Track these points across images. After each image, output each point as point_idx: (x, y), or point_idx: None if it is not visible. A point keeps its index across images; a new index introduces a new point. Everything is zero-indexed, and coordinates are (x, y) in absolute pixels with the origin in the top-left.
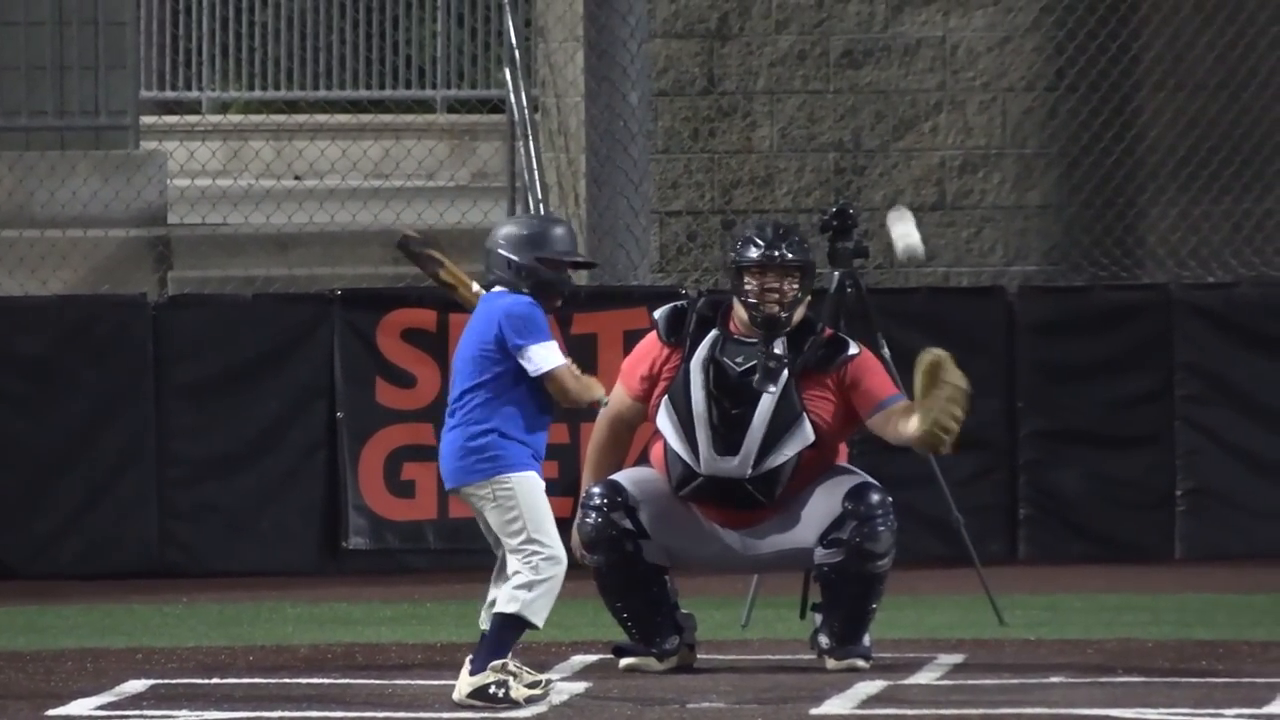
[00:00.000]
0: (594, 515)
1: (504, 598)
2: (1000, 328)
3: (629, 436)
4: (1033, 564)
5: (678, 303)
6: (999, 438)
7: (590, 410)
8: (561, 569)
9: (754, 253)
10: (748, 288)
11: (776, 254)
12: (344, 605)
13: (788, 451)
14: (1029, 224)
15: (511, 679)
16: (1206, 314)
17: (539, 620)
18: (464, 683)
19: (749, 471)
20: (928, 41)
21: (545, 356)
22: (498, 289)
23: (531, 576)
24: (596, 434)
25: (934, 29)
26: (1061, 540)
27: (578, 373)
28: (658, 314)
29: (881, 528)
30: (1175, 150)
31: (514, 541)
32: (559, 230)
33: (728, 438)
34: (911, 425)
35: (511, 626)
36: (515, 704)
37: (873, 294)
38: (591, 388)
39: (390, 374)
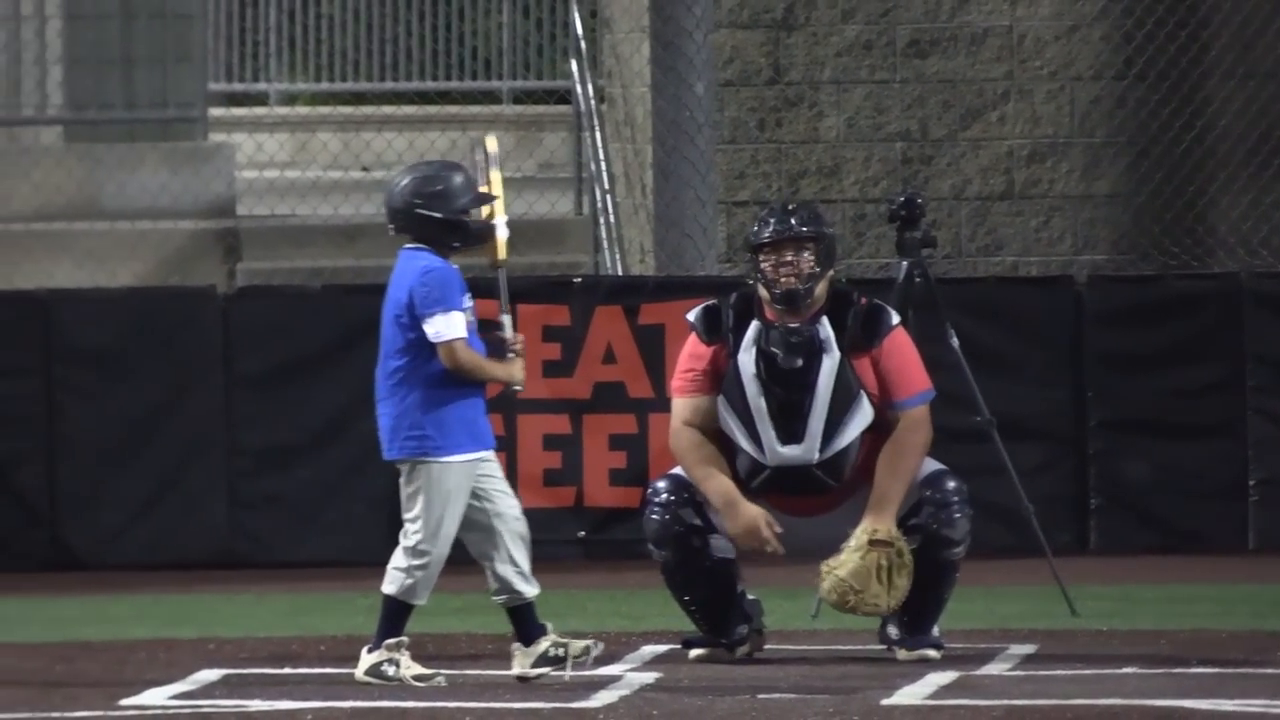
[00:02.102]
0: (660, 511)
1: (388, 576)
2: (1068, 317)
3: (717, 439)
4: (1104, 554)
5: (708, 302)
6: (1068, 428)
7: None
8: (437, 556)
9: (766, 230)
10: (764, 266)
11: (786, 228)
12: None
13: (852, 431)
14: (1097, 213)
15: (401, 661)
16: (1277, 303)
17: (415, 599)
18: (363, 660)
19: (816, 456)
20: (994, 30)
21: (441, 327)
22: (412, 246)
23: (409, 562)
24: (683, 444)
25: (1001, 18)
26: (1132, 530)
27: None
28: (691, 317)
29: (958, 514)
30: (1245, 138)
31: (406, 520)
32: (459, 177)
33: (789, 426)
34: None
35: (391, 605)
36: (575, 661)
37: (941, 284)
38: (487, 368)
39: None
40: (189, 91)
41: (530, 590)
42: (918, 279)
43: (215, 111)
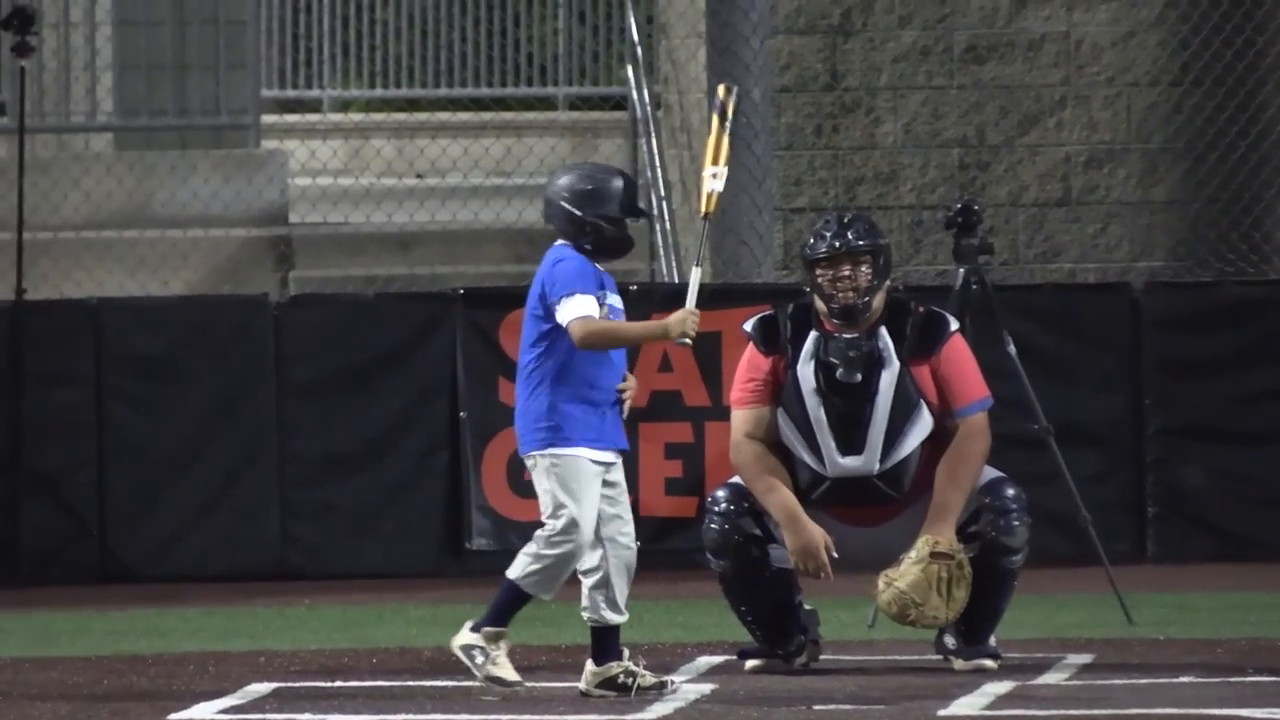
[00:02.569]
0: (719, 521)
1: (515, 562)
2: (1126, 323)
3: (778, 451)
4: (1161, 562)
5: (765, 313)
6: (1125, 435)
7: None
8: (568, 551)
9: (822, 246)
10: (821, 280)
11: (842, 243)
12: (467, 607)
13: (912, 442)
14: (1155, 219)
15: (484, 652)
16: None
17: (537, 592)
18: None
19: (876, 467)
20: (1051, 36)
21: (569, 309)
22: (560, 242)
23: (539, 550)
24: (745, 457)
25: (1058, 24)
26: (1190, 538)
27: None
28: (749, 327)
29: (1017, 522)
30: None
31: (542, 515)
32: (617, 184)
33: (849, 437)
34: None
35: (509, 593)
36: (641, 691)
37: (998, 290)
38: (623, 330)
39: (513, 373)
40: (241, 98)
41: (616, 618)
42: (975, 286)
43: (268, 118)
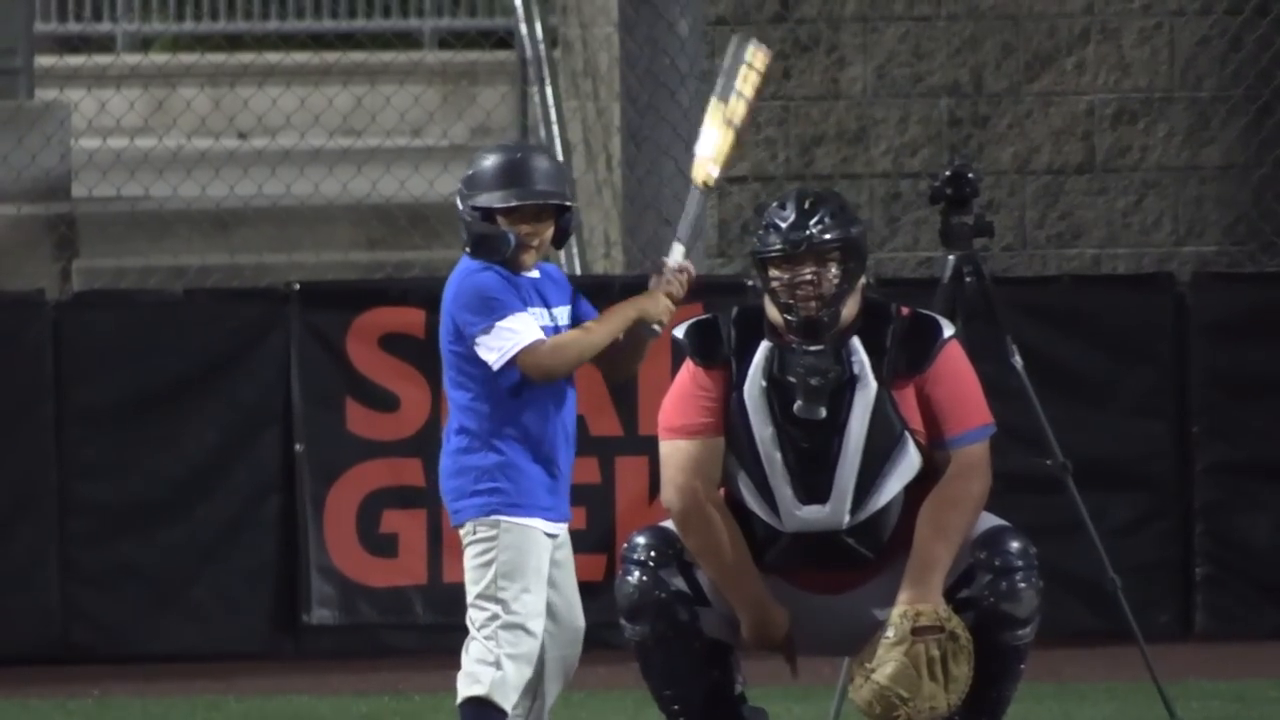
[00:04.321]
0: (637, 572)
1: (463, 674)
2: (1168, 327)
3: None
4: (1214, 640)
5: (701, 317)
6: (1168, 473)
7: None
8: (529, 645)
9: (776, 239)
10: (775, 284)
11: (804, 235)
12: (305, 699)
13: (893, 486)
14: (1206, 190)
15: None
16: None
17: (508, 705)
18: None
19: (846, 520)
20: None
21: (497, 342)
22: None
23: (494, 650)
24: (692, 518)
25: None
26: (1251, 608)
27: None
28: (681, 335)
29: (1023, 584)
30: None
31: (471, 596)
32: (494, 160)
33: (811, 481)
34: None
35: (479, 712)
36: None
37: (999, 284)
38: (576, 342)
39: (365, 393)
40: (8, 35)
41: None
42: (969, 278)
43: (44, 60)
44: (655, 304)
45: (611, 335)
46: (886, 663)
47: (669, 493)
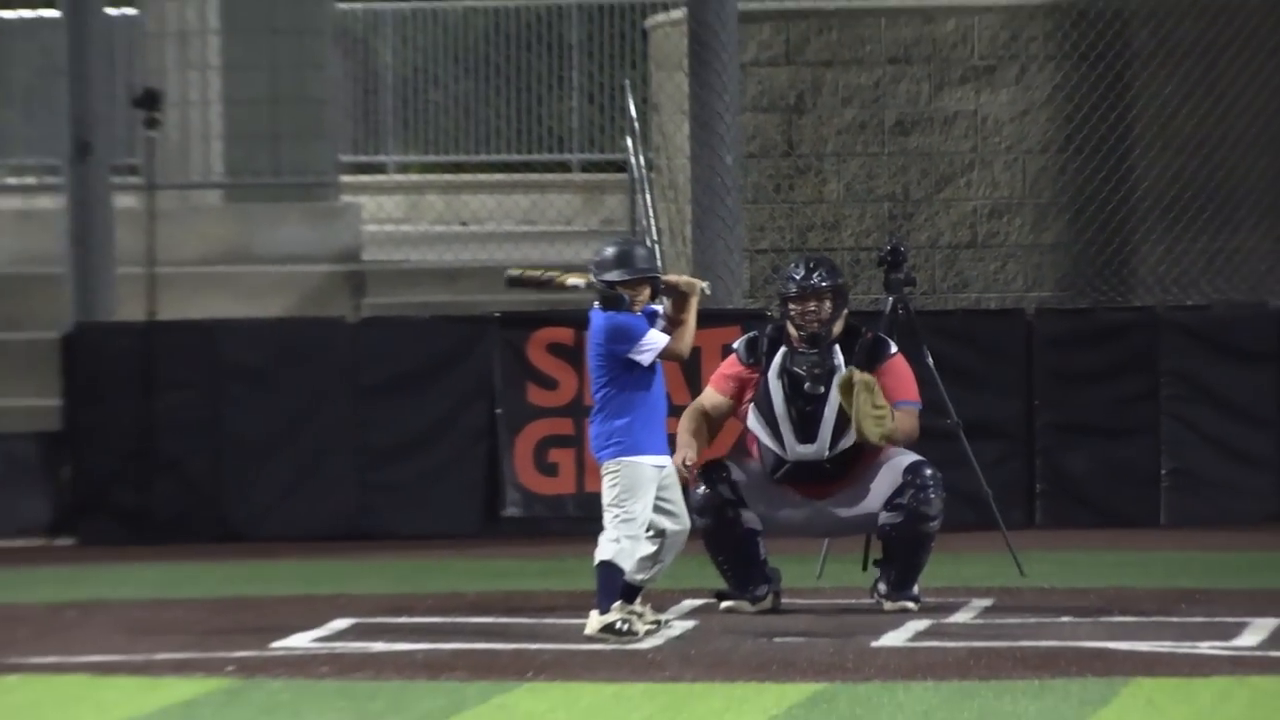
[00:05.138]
0: (703, 487)
1: (600, 548)
2: (1021, 342)
3: (707, 423)
4: (1046, 529)
5: (751, 334)
6: (1020, 429)
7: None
8: (637, 531)
9: (793, 287)
10: (792, 312)
11: (810, 284)
12: (502, 561)
13: (854, 435)
14: (1043, 259)
15: (635, 617)
16: (1185, 330)
17: (627, 566)
18: (593, 621)
19: (826, 453)
20: (963, 113)
21: (648, 347)
22: (596, 305)
23: (620, 532)
24: (685, 417)
25: (968, 104)
26: (1070, 510)
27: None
28: (736, 344)
29: (933, 495)
30: (1161, 198)
31: (605, 503)
32: (609, 251)
33: (806, 429)
34: (867, 435)
35: (610, 572)
36: (635, 635)
37: (919, 315)
38: (681, 338)
39: (538, 379)
40: (324, 162)
41: (638, 577)
42: (901, 311)
43: (344, 178)
44: (690, 279)
45: (693, 324)
46: (864, 414)
47: (693, 402)
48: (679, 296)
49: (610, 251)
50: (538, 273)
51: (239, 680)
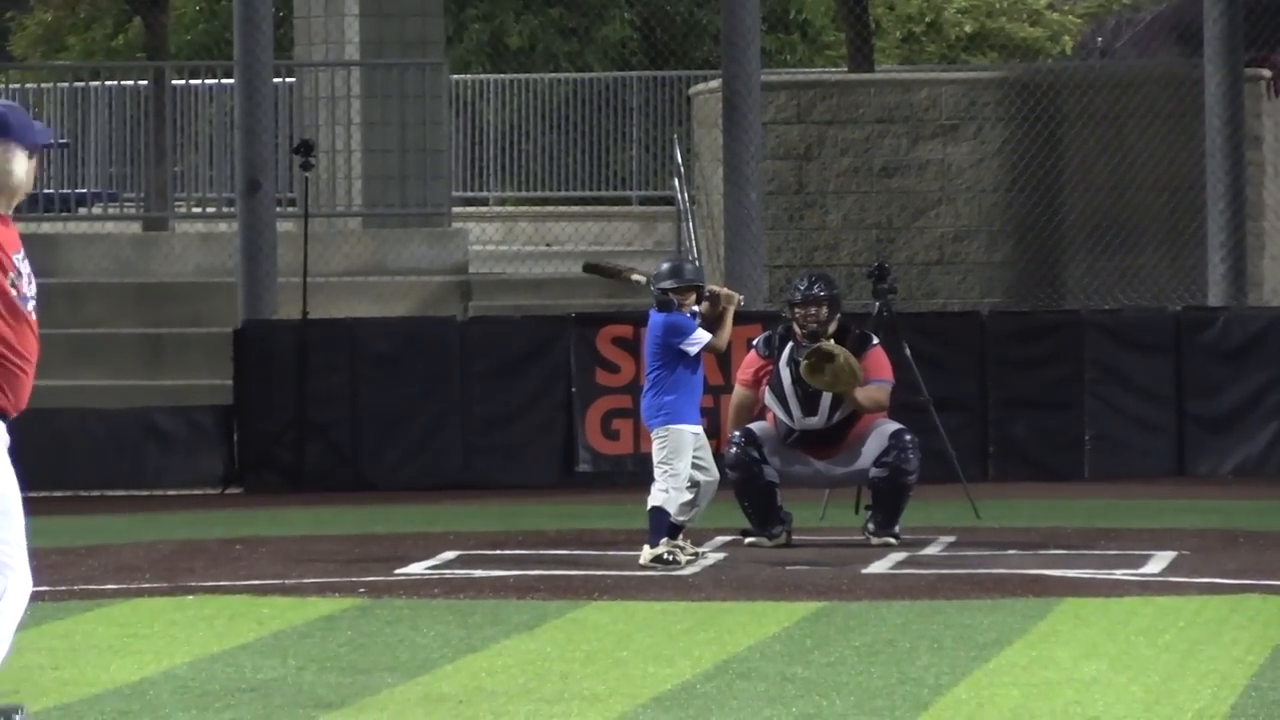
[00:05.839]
0: (735, 448)
1: (652, 496)
2: (977, 337)
3: (748, 414)
4: (997, 482)
5: (768, 332)
6: (976, 403)
7: (728, 382)
8: (682, 483)
9: (798, 295)
10: (797, 315)
11: (811, 293)
12: (576, 506)
13: (848, 409)
14: (995, 274)
15: (678, 550)
16: (1103, 329)
17: (672, 510)
18: (645, 553)
19: (826, 423)
20: (933, 161)
21: (696, 341)
22: (653, 308)
23: (667, 484)
24: (730, 415)
25: (937, 153)
26: (1015, 467)
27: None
28: (756, 340)
29: (912, 455)
30: (1085, 227)
31: (657, 460)
32: (665, 267)
33: (809, 405)
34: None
35: (660, 515)
36: (678, 564)
37: (899, 316)
38: (720, 336)
39: (605, 365)
40: (439, 196)
41: (680, 518)
42: (885, 314)
43: (456, 209)
44: (729, 293)
45: (730, 325)
46: (831, 371)
47: (731, 401)
48: (718, 303)
49: (665, 267)
50: (609, 265)
51: (369, 600)
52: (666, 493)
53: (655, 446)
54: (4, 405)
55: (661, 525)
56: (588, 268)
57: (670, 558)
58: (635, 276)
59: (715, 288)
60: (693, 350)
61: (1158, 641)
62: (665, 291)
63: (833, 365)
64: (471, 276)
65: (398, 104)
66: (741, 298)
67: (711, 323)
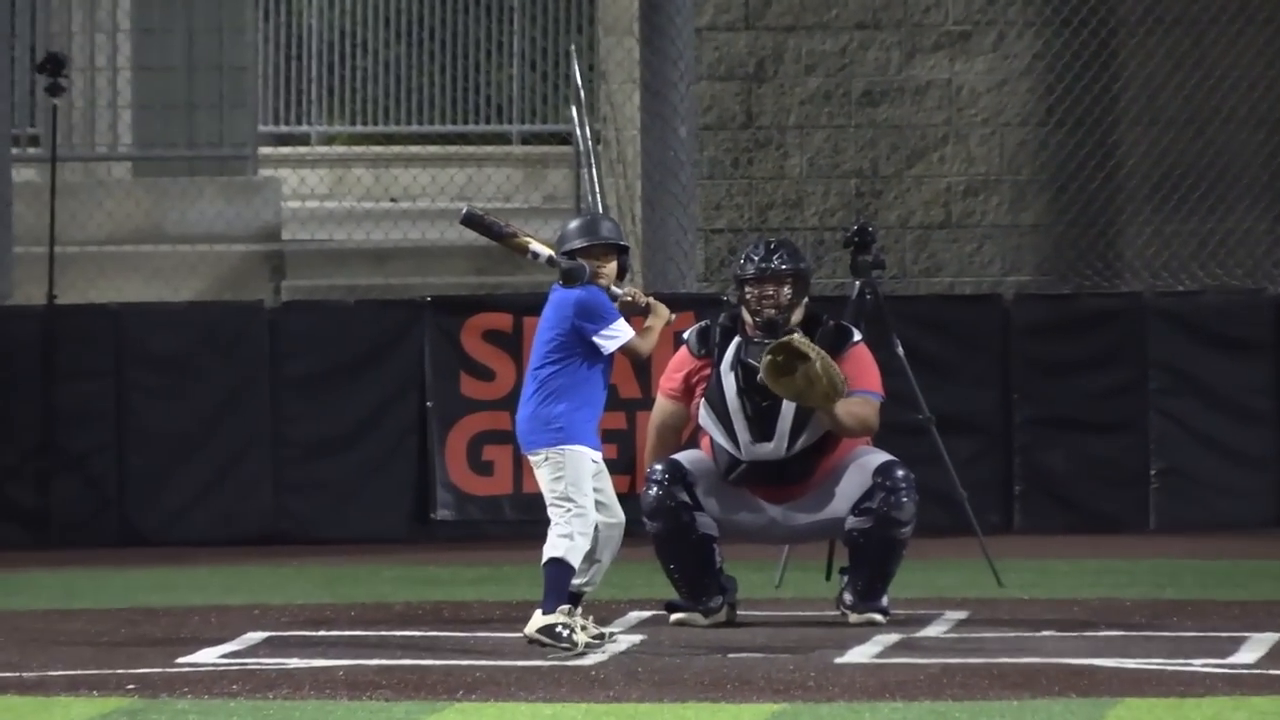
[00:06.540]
0: (655, 488)
1: (549, 544)
2: (997, 329)
3: (675, 438)
4: (1026, 533)
5: (703, 322)
6: (996, 424)
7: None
8: (588, 526)
9: (750, 268)
10: (748, 296)
11: (769, 266)
12: (432, 568)
13: (816, 430)
14: (1023, 240)
15: (577, 628)
16: (1175, 318)
17: (577, 564)
18: (534, 621)
19: (784, 452)
20: (936, 83)
21: (615, 334)
22: (557, 283)
23: (570, 527)
24: (649, 440)
25: (941, 72)
26: (1051, 513)
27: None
28: (687, 334)
29: (906, 499)
30: (1149, 177)
31: (552, 497)
32: (573, 224)
33: (762, 426)
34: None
35: (560, 570)
36: (575, 646)
37: (888, 300)
38: (649, 335)
39: (473, 369)
40: (241, 133)
41: (577, 581)
42: (868, 296)
43: (264, 150)
44: (661, 313)
45: (656, 336)
46: (807, 379)
47: (651, 420)
48: (640, 314)
49: (574, 223)
50: (499, 223)
51: (142, 700)
52: (570, 539)
53: (546, 476)
54: None
55: (562, 584)
56: (468, 220)
57: (565, 633)
58: (534, 246)
59: (633, 291)
60: (607, 346)
61: None
62: (573, 255)
63: (806, 368)
64: (286, 245)
65: (183, 2)
66: (673, 316)
67: (629, 319)
